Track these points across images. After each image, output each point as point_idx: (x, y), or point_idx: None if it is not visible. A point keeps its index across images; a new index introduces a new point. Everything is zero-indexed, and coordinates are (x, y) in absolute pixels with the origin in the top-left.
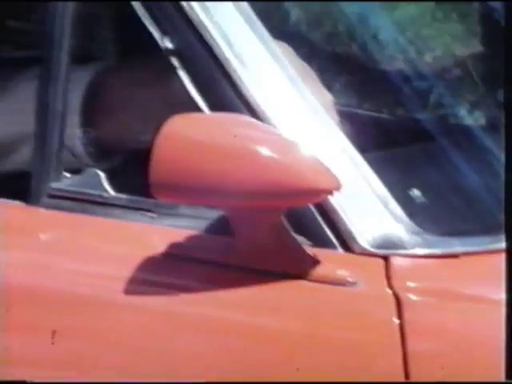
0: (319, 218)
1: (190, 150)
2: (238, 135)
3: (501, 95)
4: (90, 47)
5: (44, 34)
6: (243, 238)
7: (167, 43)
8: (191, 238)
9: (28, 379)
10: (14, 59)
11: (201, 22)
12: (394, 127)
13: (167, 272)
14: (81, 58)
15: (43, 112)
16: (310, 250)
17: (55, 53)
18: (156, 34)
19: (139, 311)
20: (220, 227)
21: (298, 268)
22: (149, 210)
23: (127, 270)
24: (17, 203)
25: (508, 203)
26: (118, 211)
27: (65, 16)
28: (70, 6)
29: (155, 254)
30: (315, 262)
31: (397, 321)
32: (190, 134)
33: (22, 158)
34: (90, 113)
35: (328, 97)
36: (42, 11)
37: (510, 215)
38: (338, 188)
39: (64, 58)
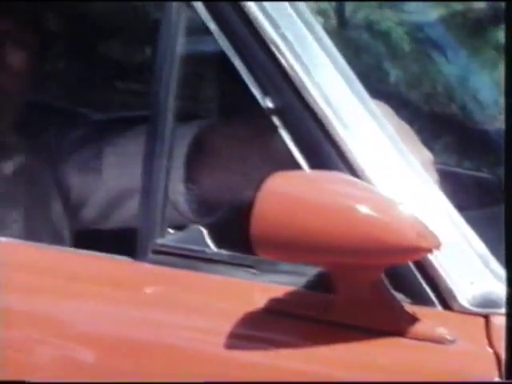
0: (419, 276)
1: (290, 207)
2: (338, 193)
3: None
4: (194, 106)
5: (151, 94)
6: (343, 294)
7: (268, 102)
8: (291, 294)
9: (27, 379)
10: (122, 118)
11: (301, 81)
12: (493, 185)
13: (267, 327)
14: (185, 116)
15: (149, 169)
16: (409, 307)
17: (161, 112)
18: (257, 93)
19: (240, 365)
20: (320, 283)
21: (397, 325)
22: (250, 266)
23: (229, 325)
24: (124, 258)
25: (508, 203)
26: (220, 267)
27: (170, 77)
28: (176, 67)
29: (256, 310)
30: (414, 319)
31: (498, 380)
32: (291, 191)
33: (128, 213)
34: (194, 170)
35: (427, 155)
36: (149, 73)
37: (510, 215)
38: (437, 246)
39: (169, 116)
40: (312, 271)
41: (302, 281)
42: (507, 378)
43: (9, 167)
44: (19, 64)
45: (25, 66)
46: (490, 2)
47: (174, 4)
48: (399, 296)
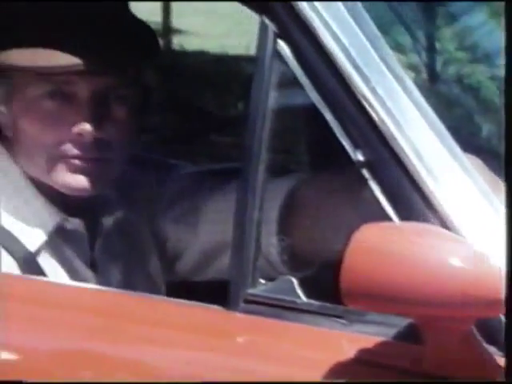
0: (510, 329)
1: (380, 259)
2: (428, 245)
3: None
4: (285, 159)
5: (243, 147)
6: (432, 345)
7: (359, 155)
8: (380, 345)
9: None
10: (216, 171)
11: (392, 135)
12: None
13: (356, 377)
14: (277, 169)
15: (241, 221)
16: (501, 360)
17: (253, 164)
18: (348, 146)
19: None
20: (409, 334)
21: (488, 377)
22: (340, 317)
23: (318, 375)
24: (216, 307)
25: (509, 203)
26: (310, 317)
27: (263, 130)
28: (268, 120)
29: (345, 360)
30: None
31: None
32: (381, 243)
33: (222, 265)
34: (286, 222)
35: None
36: (241, 126)
37: (510, 214)
38: None
39: (261, 169)
40: (401, 322)
41: (391, 331)
42: (507, 378)
43: (109, 220)
44: (122, 118)
45: (127, 120)
46: None
47: (267, 58)
48: (491, 349)
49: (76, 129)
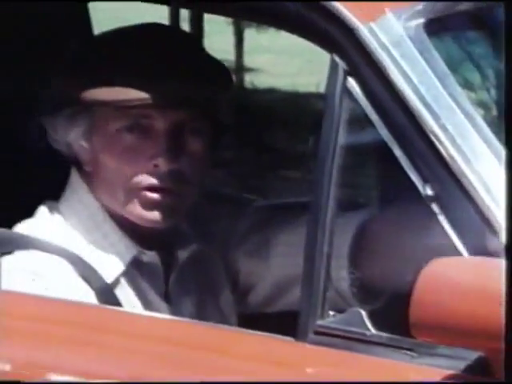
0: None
1: (450, 292)
2: (498, 279)
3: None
4: (354, 194)
5: (313, 182)
6: (502, 379)
7: (428, 190)
8: (449, 377)
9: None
10: (286, 205)
11: (461, 170)
12: None
13: None
14: (346, 204)
15: (311, 254)
16: None
17: (323, 199)
18: (417, 181)
19: None
20: (479, 367)
21: None
22: (409, 349)
23: None
24: (286, 338)
25: (508, 203)
26: (379, 349)
27: (332, 166)
28: (337, 156)
29: None
30: None
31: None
32: (451, 277)
33: (293, 298)
34: (355, 255)
35: None
36: (311, 162)
37: (510, 215)
38: None
39: (331, 204)
40: (470, 355)
41: (460, 364)
42: (507, 378)
43: (183, 253)
44: (196, 151)
45: (201, 153)
46: None
47: (337, 95)
48: None
49: (152, 160)
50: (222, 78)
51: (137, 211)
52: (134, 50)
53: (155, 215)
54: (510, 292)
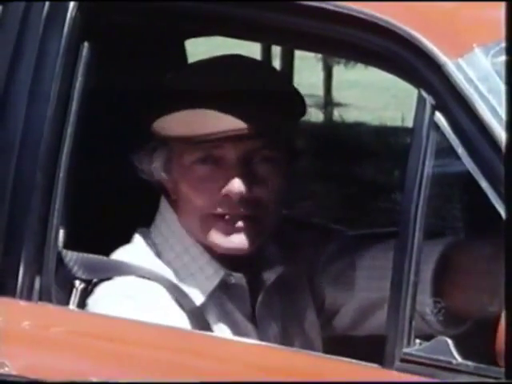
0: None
1: None
2: None
3: None
4: (440, 224)
5: (401, 213)
6: None
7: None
8: None
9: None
10: (374, 234)
11: None
12: None
13: None
14: (433, 234)
15: (398, 281)
16: None
17: (410, 229)
18: (502, 212)
19: None
20: None
21: None
22: (496, 378)
23: None
24: (373, 365)
25: (508, 203)
26: (465, 377)
27: (419, 196)
28: (424, 187)
29: None
30: None
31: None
32: None
33: (378, 323)
34: (441, 284)
35: None
36: (398, 193)
37: (511, 215)
38: None
39: (418, 233)
40: None
41: None
42: (507, 378)
43: (270, 276)
44: (268, 178)
45: (274, 180)
46: None
47: (424, 129)
48: None
49: (224, 190)
50: (295, 105)
51: (213, 239)
52: (209, 82)
53: (231, 242)
54: (510, 292)
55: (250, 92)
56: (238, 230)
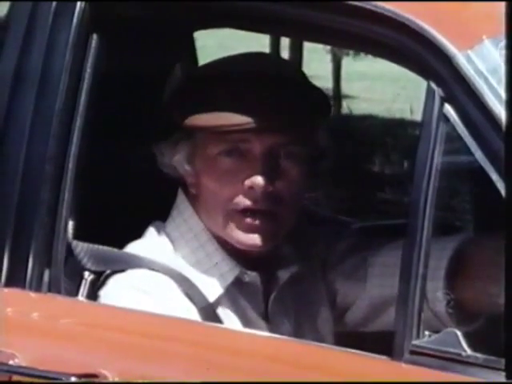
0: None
1: None
2: None
3: None
4: (450, 218)
5: (410, 204)
6: None
7: None
8: None
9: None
10: (383, 226)
11: None
12: None
13: None
14: (443, 227)
15: (407, 275)
16: None
17: (419, 221)
18: None
19: None
20: None
21: None
22: (504, 370)
23: None
24: (382, 357)
25: (508, 203)
26: (473, 369)
27: (429, 188)
28: (433, 179)
29: None
30: None
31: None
32: None
33: (389, 318)
34: (450, 277)
35: None
36: (408, 184)
37: (511, 215)
38: None
39: (427, 225)
40: None
41: None
42: (507, 378)
43: (284, 274)
44: (292, 174)
45: (297, 176)
46: None
47: (433, 121)
48: None
49: (248, 183)
50: (320, 104)
51: (235, 234)
52: (236, 78)
53: (253, 238)
54: (510, 292)
55: (278, 88)
56: (259, 228)
